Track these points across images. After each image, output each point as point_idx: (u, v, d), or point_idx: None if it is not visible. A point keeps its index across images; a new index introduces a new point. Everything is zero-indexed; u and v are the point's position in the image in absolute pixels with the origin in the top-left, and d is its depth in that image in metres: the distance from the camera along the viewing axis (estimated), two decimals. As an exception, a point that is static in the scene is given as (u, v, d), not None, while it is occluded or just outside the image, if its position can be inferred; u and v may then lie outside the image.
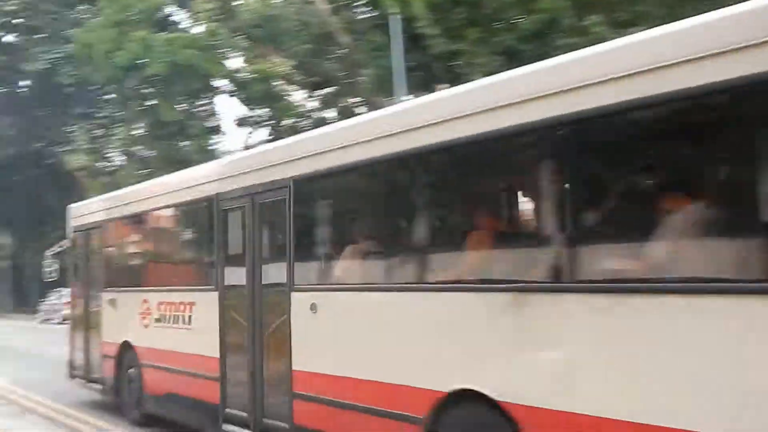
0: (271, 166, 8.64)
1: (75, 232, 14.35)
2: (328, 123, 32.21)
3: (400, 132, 6.68)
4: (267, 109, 33.06)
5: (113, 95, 39.32)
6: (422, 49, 21.74)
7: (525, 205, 6.03)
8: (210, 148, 32.89)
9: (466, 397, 5.90)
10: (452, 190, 6.54)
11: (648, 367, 4.83)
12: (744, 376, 4.38)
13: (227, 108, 54.32)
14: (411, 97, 27.80)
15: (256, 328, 8.83)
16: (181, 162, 32.62)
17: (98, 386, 13.53)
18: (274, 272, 8.54)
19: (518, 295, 5.61)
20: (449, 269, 6.31)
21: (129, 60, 30.26)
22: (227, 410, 9.45)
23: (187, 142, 32.55)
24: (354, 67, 30.17)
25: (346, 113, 32.25)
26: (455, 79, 21.24)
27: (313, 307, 7.82)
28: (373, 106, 30.18)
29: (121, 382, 12.59)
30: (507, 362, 5.62)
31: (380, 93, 26.16)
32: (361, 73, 28.87)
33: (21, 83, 48.02)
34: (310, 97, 32.97)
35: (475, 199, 6.31)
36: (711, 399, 4.46)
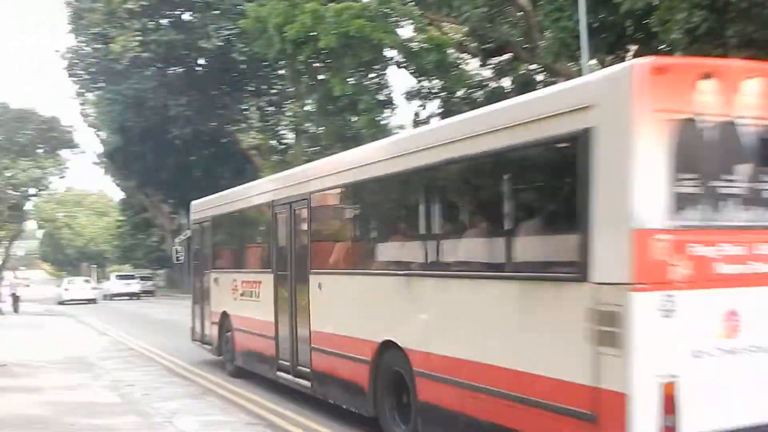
0: (299, 183, 12.55)
1: (193, 224, 18.44)
2: (505, 93, 30.41)
3: (361, 166, 10.54)
4: (439, 81, 31.42)
5: (284, 71, 38.41)
6: (609, 6, 19.57)
7: (413, 221, 9.40)
8: (381, 122, 31.53)
9: (388, 345, 9.75)
10: (386, 209, 10.45)
11: (471, 323, 8.22)
12: (519, 328, 7.61)
13: (397, 81, 52.78)
14: (595, 62, 25.58)
15: (293, 301, 12.67)
16: (352, 138, 31.43)
17: (208, 347, 17.60)
18: (303, 260, 12.33)
19: (408, 279, 9.34)
20: (380, 260, 10.20)
21: (300, 33, 29.10)
22: (279, 361, 13.27)
23: (357, 118, 31.31)
24: (532, 30, 28.00)
25: (523, 82, 30.21)
26: (647, 40, 19.04)
27: (320, 286, 11.70)
28: (554, 74, 28.20)
29: (221, 343, 16.68)
30: (405, 322, 9.37)
31: (562, 58, 24.14)
32: (540, 38, 26.72)
33: (198, 62, 47.80)
34: (484, 65, 31.11)
35: (394, 216, 10.20)
36: (505, 342, 7.73)
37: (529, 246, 7.86)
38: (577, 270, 6.96)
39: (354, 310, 10.98)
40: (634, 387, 6.63)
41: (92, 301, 55.46)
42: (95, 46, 48.08)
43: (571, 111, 7.17)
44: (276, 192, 13.81)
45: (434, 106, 33.47)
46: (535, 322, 7.54)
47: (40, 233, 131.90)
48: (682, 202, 6.81)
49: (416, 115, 34.53)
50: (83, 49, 49.24)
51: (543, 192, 7.89)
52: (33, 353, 19.84)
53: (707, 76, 7.04)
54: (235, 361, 16.01)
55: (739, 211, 7.10)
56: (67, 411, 11.93)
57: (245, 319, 15.42)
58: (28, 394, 13.48)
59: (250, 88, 48.03)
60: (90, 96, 56.07)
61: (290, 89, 42.37)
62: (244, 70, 46.50)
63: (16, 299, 39.96)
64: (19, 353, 19.78)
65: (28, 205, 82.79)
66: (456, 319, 8.70)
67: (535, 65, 30.07)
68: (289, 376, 13.19)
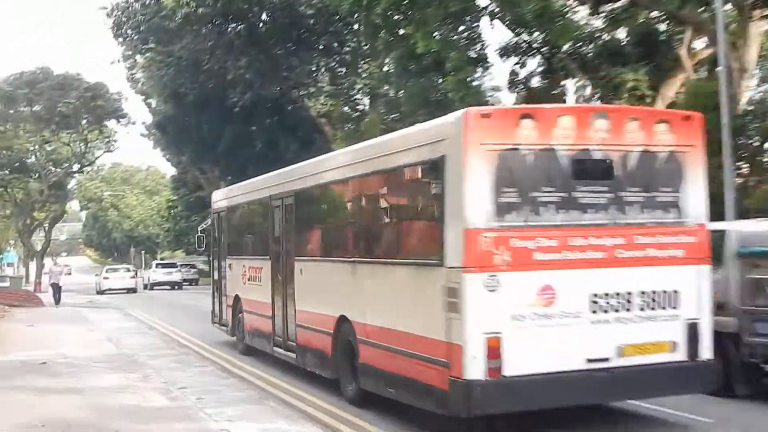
0: (288, 181, 17.70)
1: (213, 213, 23.59)
2: (620, 47, 29.14)
3: (314, 174, 16.59)
4: (540, 33, 30.45)
5: (359, 26, 37.70)
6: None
7: (350, 219, 15.08)
8: (472, 84, 30.66)
9: (343, 319, 14.38)
10: (333, 209, 16.03)
11: (385, 299, 13.13)
12: (409, 302, 12.51)
13: (491, 35, 51.76)
14: (729, 7, 24.29)
15: (285, 284, 17.46)
16: (437, 103, 30.62)
17: (224, 328, 22.48)
18: (291, 248, 17.42)
19: (351, 265, 14.31)
20: (335, 250, 15.49)
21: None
22: (275, 337, 17.98)
23: (444, 79, 30.50)
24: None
25: (642, 33, 29.06)
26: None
27: (301, 271, 16.67)
28: (679, 22, 26.98)
29: (235, 324, 21.55)
30: (351, 300, 14.20)
31: (689, 4, 23.05)
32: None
33: (260, 17, 47.24)
34: (595, 13, 30.03)
35: (338, 214, 15.66)
36: (402, 312, 12.54)
37: (415, 241, 12.95)
38: (438, 258, 11.63)
39: (322, 291, 16.09)
40: (467, 340, 11.30)
41: (132, 290, 58.68)
42: (145, 2, 47.96)
43: (433, 142, 12.07)
44: (273, 188, 19.22)
45: (534, 63, 32.50)
46: (418, 297, 12.25)
47: (83, 215, 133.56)
48: (504, 208, 11.54)
49: (513, 74, 33.64)
50: (132, 6, 49.13)
51: (420, 202, 12.97)
52: (76, 350, 20.35)
53: (526, 116, 11.81)
54: (244, 339, 21.14)
55: (555, 214, 11.90)
56: (113, 415, 12.35)
57: (251, 302, 20.59)
58: (70, 396, 13.97)
59: (319, 47, 47.43)
60: (139, 59, 56.10)
61: (365, 47, 41.73)
62: (312, 25, 45.91)
63: (57, 289, 39.57)
64: (61, 350, 20.27)
65: (71, 183, 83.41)
66: (376, 296, 13.76)
67: (657, 12, 28.90)
68: (281, 350, 18.36)
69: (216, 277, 24.54)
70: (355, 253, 15.22)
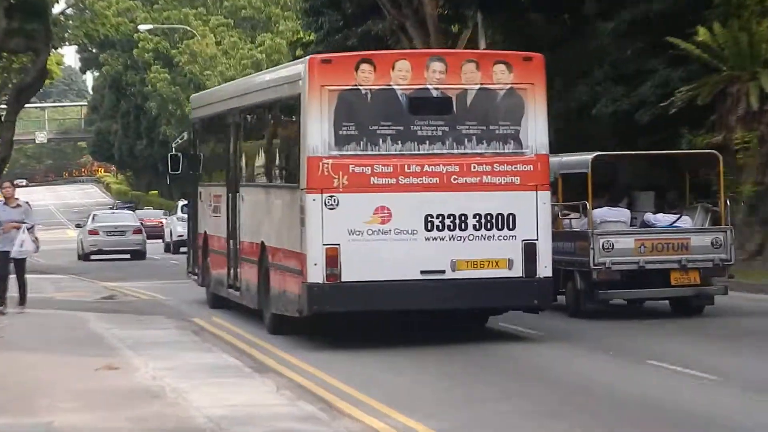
0: (235, 96, 21.81)
1: (191, 125, 26.27)
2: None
3: (218, 101, 22.87)
4: None
5: None
6: None
7: (256, 145, 20.26)
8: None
9: (263, 246, 18.33)
10: (244, 135, 20.75)
11: (276, 222, 18.06)
12: (287, 220, 17.47)
13: None
14: None
15: (236, 215, 20.49)
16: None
17: (195, 278, 24.49)
18: (237, 173, 20.76)
19: (266, 190, 18.93)
20: (257, 177, 19.65)
21: None
22: (229, 278, 20.88)
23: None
24: None
25: None
26: None
27: (242, 198, 19.97)
28: None
29: (204, 269, 23.53)
30: (265, 225, 18.74)
31: None
32: None
33: None
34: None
35: (255, 143, 20.38)
36: (280, 231, 17.80)
37: (287, 167, 17.62)
38: (297, 182, 16.46)
39: (252, 218, 19.64)
40: (309, 250, 15.75)
41: (138, 254, 47.51)
42: None
43: (291, 83, 16.87)
44: (229, 101, 21.94)
45: None
46: (291, 217, 16.69)
47: (88, 78, 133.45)
48: (343, 139, 16.02)
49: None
50: None
51: (287, 132, 17.50)
52: None
53: (365, 61, 16.20)
54: (210, 287, 23.37)
55: (392, 145, 16.21)
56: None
57: (214, 238, 22.77)
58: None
59: None
60: None
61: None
62: None
63: (17, 268, 23.10)
64: None
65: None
66: (273, 219, 18.06)
67: None
68: (232, 290, 21.15)
69: (192, 212, 24.50)
70: (260, 178, 20.01)
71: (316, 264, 16.55)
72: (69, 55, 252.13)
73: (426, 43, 42.84)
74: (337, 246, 16.52)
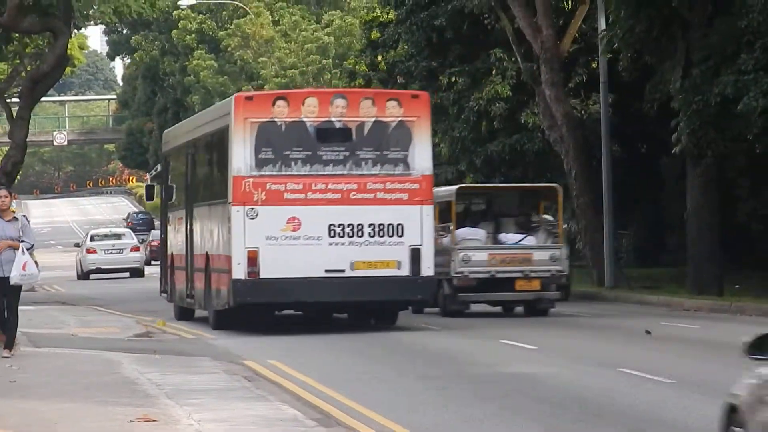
0: (187, 131, 34.13)
1: (162, 157, 37.72)
2: None
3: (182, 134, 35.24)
4: None
5: None
6: None
7: (202, 169, 31.72)
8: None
9: (207, 255, 28.77)
10: (195, 162, 32.08)
11: (215, 232, 28.49)
12: (220, 230, 27.94)
13: None
14: None
15: (192, 232, 30.76)
16: None
17: (165, 294, 33.54)
18: (190, 196, 31.56)
19: (209, 207, 29.36)
20: (203, 197, 30.67)
21: None
22: (188, 289, 30.17)
23: None
24: None
25: None
26: None
27: (194, 217, 30.60)
28: None
29: (171, 286, 32.47)
30: (208, 237, 29.13)
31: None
32: None
33: None
34: None
35: (199, 166, 31.83)
36: (215, 240, 28.32)
37: (220, 186, 27.48)
38: (226, 198, 26.46)
39: (200, 233, 28.33)
40: (234, 252, 25.88)
41: (137, 272, 58.69)
42: None
43: (222, 116, 27.71)
44: (187, 134, 32.04)
45: None
46: (222, 227, 26.69)
47: (117, 67, 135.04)
48: (262, 162, 25.91)
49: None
50: None
51: (221, 157, 27.47)
52: None
53: (280, 98, 26.64)
54: (175, 301, 32.40)
55: (302, 167, 25.85)
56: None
57: (178, 257, 31.92)
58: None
59: None
60: None
61: None
62: None
63: (10, 296, 22.15)
64: None
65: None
66: (213, 230, 27.59)
67: None
68: (189, 299, 29.72)
69: (162, 236, 35.27)
70: (205, 197, 29.65)
71: (239, 264, 26.16)
72: (94, 37, 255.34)
73: (533, 23, 43.08)
74: (256, 249, 26.20)
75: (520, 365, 20.96)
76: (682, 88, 35.73)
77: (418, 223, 26.10)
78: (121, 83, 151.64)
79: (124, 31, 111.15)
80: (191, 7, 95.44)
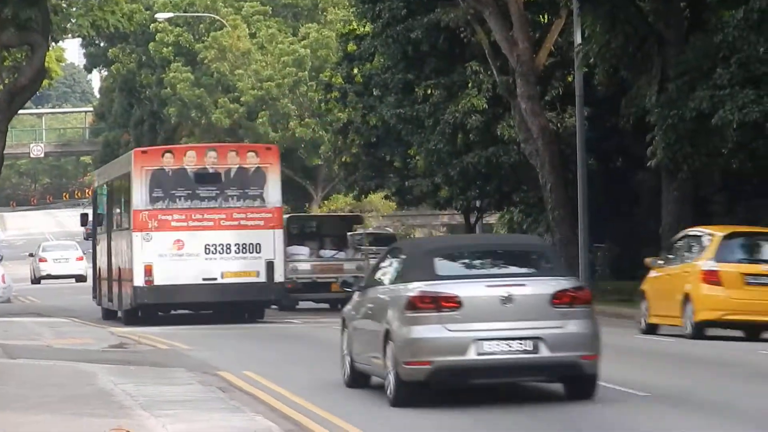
0: (104, 173, 48.20)
1: (92, 193, 53.84)
2: None
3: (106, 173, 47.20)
4: None
5: None
6: None
7: (117, 204, 42.55)
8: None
9: (119, 268, 39.56)
10: (115, 200, 42.80)
11: (122, 251, 39.58)
12: (126, 249, 38.83)
13: None
14: None
15: (110, 250, 42.42)
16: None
17: (95, 300, 43.77)
18: (113, 223, 43.51)
19: (118, 232, 41.14)
20: (117, 225, 41.61)
21: None
22: (109, 294, 41.26)
23: None
24: None
25: None
26: None
27: (112, 239, 41.98)
28: None
29: (100, 293, 43.15)
30: (118, 256, 40.39)
31: None
32: None
33: None
34: None
35: (115, 203, 42.84)
36: (124, 257, 39.04)
37: (125, 216, 38.60)
38: (130, 226, 36.93)
39: (116, 252, 39.36)
40: (134, 266, 36.24)
41: (81, 278, 68.99)
42: None
43: (127, 164, 38.47)
44: (107, 175, 43.72)
45: None
46: (126, 248, 37.51)
47: (94, 79, 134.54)
48: (155, 199, 36.09)
49: None
50: None
51: (126, 195, 37.86)
52: None
53: (168, 152, 37.80)
54: (103, 304, 41.35)
55: (185, 202, 36.06)
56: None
57: (103, 270, 40.69)
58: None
59: None
60: None
61: None
62: None
63: None
64: None
65: None
66: (121, 250, 38.80)
67: None
68: (110, 303, 39.71)
69: (93, 254, 44.82)
70: (117, 225, 39.47)
71: (139, 274, 35.74)
72: (72, 50, 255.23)
73: (509, 36, 43.07)
74: (151, 263, 35.69)
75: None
76: (657, 102, 35.91)
77: (272, 243, 35.98)
78: (97, 95, 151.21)
79: (102, 44, 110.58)
80: (168, 20, 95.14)
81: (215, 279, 35.16)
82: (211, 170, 35.08)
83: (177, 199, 34.96)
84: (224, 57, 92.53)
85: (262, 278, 35.19)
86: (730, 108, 32.56)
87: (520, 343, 16.62)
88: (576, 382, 17.40)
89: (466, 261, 18.23)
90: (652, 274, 30.54)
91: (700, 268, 28.03)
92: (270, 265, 34.97)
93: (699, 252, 28.75)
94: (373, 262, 37.60)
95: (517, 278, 17.36)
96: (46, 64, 49.95)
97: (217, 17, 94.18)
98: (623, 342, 27.06)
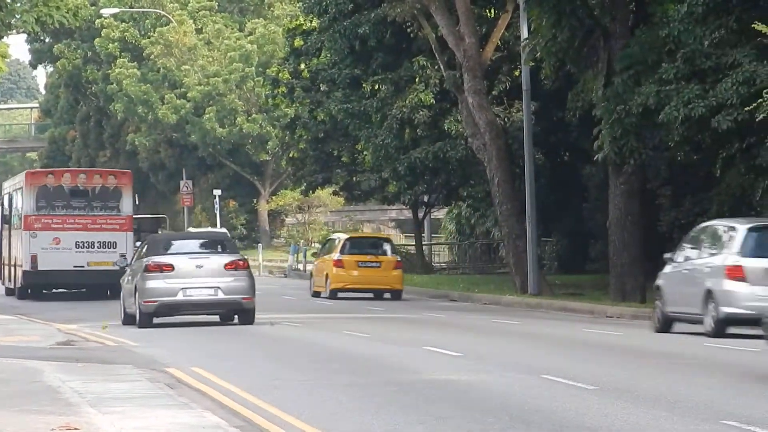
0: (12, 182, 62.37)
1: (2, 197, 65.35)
2: None
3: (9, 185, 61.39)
4: None
5: None
6: None
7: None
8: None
9: (15, 257, 54.22)
10: (15, 206, 56.09)
11: (17, 246, 53.19)
12: (19, 243, 52.39)
13: None
14: None
15: (10, 242, 56.85)
16: None
17: (1, 281, 58.08)
18: (13, 223, 57.63)
19: (14, 230, 54.90)
20: (14, 225, 55.14)
21: None
22: (5, 276, 57.74)
23: None
24: None
25: None
26: None
27: (10, 235, 55.29)
28: None
29: (2, 277, 57.04)
30: (13, 248, 55.12)
31: None
32: None
33: None
34: None
35: (14, 208, 55.86)
36: (19, 249, 51.94)
37: (19, 219, 51.39)
38: (21, 226, 50.75)
39: (13, 244, 52.75)
40: (24, 255, 48.84)
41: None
42: None
43: (21, 181, 52.69)
44: (9, 187, 57.31)
45: None
46: (19, 242, 50.78)
47: (38, 74, 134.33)
48: (40, 207, 48.98)
49: None
50: None
51: (20, 204, 51.68)
52: None
53: (50, 173, 53.64)
54: (5, 284, 54.48)
55: (62, 210, 48.87)
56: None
57: (4, 257, 54.71)
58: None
59: None
60: None
61: None
62: None
63: None
64: None
65: None
66: (15, 244, 53.14)
67: None
68: (9, 283, 53.15)
69: (0, 247, 55.62)
70: (14, 225, 52.32)
71: (27, 262, 47.19)
72: (16, 46, 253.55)
73: (455, 31, 43.14)
74: (36, 254, 46.90)
75: (446, 372, 20.90)
76: (604, 96, 36.03)
77: (125, 242, 47.24)
78: (43, 92, 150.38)
79: (47, 40, 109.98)
80: (114, 15, 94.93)
81: (83, 267, 47.09)
82: (81, 188, 47.82)
83: (56, 208, 47.49)
84: (170, 53, 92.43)
85: (116, 267, 42.39)
86: (676, 104, 32.56)
87: (208, 290, 31.75)
88: (240, 314, 32.39)
89: (180, 244, 34.06)
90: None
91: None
92: (123, 257, 43.02)
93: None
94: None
95: (206, 254, 33.01)
96: (-10, 60, 50.53)
97: (163, 12, 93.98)
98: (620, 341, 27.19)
